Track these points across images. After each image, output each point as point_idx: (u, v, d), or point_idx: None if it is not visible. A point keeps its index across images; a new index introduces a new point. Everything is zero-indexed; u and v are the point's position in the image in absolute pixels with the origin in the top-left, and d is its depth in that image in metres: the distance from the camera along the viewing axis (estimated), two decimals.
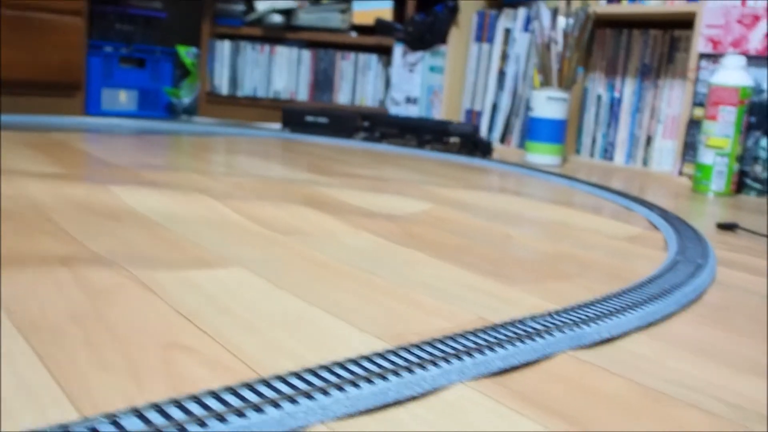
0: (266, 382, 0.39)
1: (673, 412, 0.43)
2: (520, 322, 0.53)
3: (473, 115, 2.17)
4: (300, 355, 0.46)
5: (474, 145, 1.72)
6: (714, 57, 1.65)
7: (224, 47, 2.35)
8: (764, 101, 1.56)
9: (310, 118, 1.96)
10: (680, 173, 1.74)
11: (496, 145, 2.12)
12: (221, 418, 0.35)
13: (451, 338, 0.48)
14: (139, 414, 0.34)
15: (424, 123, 1.84)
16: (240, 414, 0.35)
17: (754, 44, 1.57)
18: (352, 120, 1.88)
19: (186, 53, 2.31)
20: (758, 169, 1.59)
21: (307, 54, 2.34)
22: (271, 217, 0.89)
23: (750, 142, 1.59)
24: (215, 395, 0.37)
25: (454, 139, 1.73)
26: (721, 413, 0.44)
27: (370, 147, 1.90)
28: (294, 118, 2.00)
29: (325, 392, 0.38)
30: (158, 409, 0.35)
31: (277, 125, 2.25)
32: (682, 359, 0.53)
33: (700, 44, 1.66)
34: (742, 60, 1.50)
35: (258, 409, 0.36)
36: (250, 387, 0.38)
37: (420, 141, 1.80)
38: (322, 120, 1.93)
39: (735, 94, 1.49)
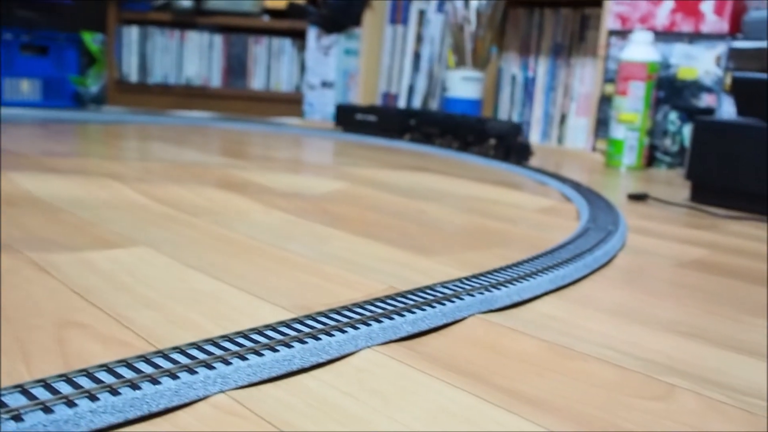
0: (163, 354, 0.37)
1: (582, 367, 0.43)
2: (430, 288, 0.52)
3: (390, 98, 2.17)
4: (203, 329, 0.45)
5: (507, 148, 1.42)
6: (623, 33, 1.68)
7: (132, 33, 2.29)
8: (672, 76, 1.60)
9: (359, 116, 1.76)
10: (594, 149, 1.77)
11: None
12: (113, 391, 0.33)
13: (359, 305, 0.47)
14: (23, 391, 0.32)
15: (464, 121, 1.54)
16: (134, 386, 0.33)
17: (661, 20, 1.60)
18: (400, 118, 1.65)
19: (92, 40, 2.24)
20: (668, 142, 1.62)
21: (218, 39, 2.29)
22: (180, 199, 0.86)
23: (659, 116, 1.63)
24: (108, 369, 0.35)
25: (493, 141, 1.45)
26: (632, 367, 0.44)
27: (288, 131, 1.88)
28: (346, 116, 1.82)
29: (225, 361, 0.37)
30: (45, 385, 0.33)
31: (192, 113, 2.20)
32: (593, 319, 0.53)
33: (609, 21, 1.69)
34: (650, 36, 1.53)
35: (153, 380, 0.34)
36: (145, 359, 0.36)
37: (463, 143, 1.53)
38: (371, 118, 1.72)
39: (643, 69, 1.52)
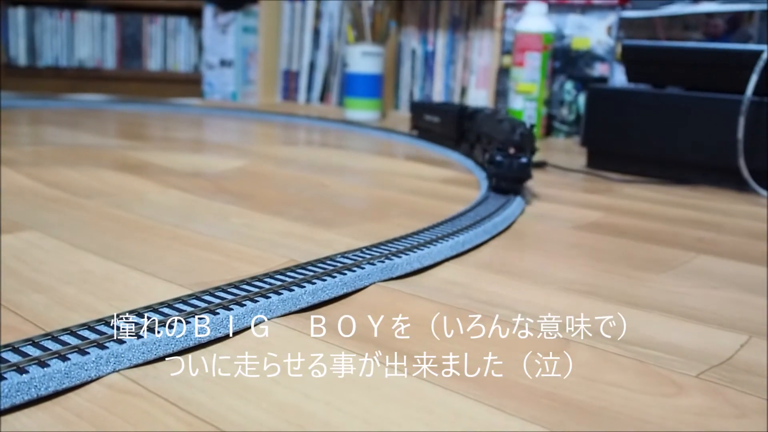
0: (52, 336, 0.36)
1: (480, 328, 0.44)
2: (330, 258, 0.52)
3: (291, 76, 2.15)
4: (95, 310, 0.43)
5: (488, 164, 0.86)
6: (518, 6, 1.71)
7: (18, 14, 2.19)
8: (566, 46, 1.64)
9: (428, 117, 1.38)
10: None
11: (315, 105, 2.11)
12: None
13: (258, 279, 0.46)
14: None
15: (488, 124, 0.99)
16: (20, 370, 0.32)
17: None
18: (458, 121, 1.21)
19: None
20: (564, 111, 1.66)
21: (111, 19, 2.22)
22: (73, 182, 0.83)
23: (556, 86, 1.66)
24: None
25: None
26: (529, 325, 0.45)
27: (193, 112, 1.84)
28: (419, 116, 1.44)
29: (119, 341, 0.36)
30: None
31: (86, 96, 2.12)
32: (492, 282, 0.54)
33: None
34: (544, 7, 1.56)
35: (41, 363, 0.33)
36: (32, 342, 0.35)
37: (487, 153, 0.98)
38: (436, 119, 1.33)
39: (539, 40, 1.55)
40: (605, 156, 1.12)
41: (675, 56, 1.05)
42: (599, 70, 1.60)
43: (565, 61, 1.64)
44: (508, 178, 0.82)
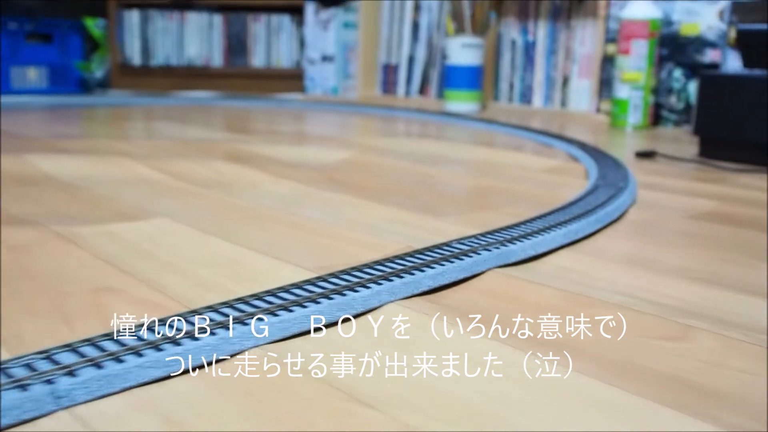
0: (198, 313, 0.38)
1: (599, 312, 0.44)
2: (446, 244, 0.53)
3: (390, 69, 2.17)
4: (228, 290, 0.46)
5: None
6: None
7: (132, 17, 2.29)
8: (674, 33, 1.60)
9: None
10: (598, 110, 1.77)
11: (414, 98, 2.12)
12: (157, 347, 0.34)
13: (380, 263, 0.48)
14: (73, 350, 0.33)
15: None
16: (175, 343, 0.35)
17: None
18: None
19: (94, 25, 2.24)
20: (673, 100, 1.63)
21: (218, 18, 2.29)
22: (191, 173, 0.87)
23: (663, 74, 1.63)
24: (149, 328, 0.36)
25: None
26: (649, 311, 0.45)
27: (293, 107, 1.88)
28: None
29: (259, 318, 0.38)
30: (91, 344, 0.34)
31: (195, 93, 2.20)
32: (608, 269, 0.54)
33: None
34: None
35: (193, 337, 0.35)
36: (183, 318, 0.37)
37: None
38: None
39: (645, 26, 1.52)
40: (718, 144, 1.09)
41: None
42: (710, 56, 1.56)
43: (673, 47, 1.60)
44: None
